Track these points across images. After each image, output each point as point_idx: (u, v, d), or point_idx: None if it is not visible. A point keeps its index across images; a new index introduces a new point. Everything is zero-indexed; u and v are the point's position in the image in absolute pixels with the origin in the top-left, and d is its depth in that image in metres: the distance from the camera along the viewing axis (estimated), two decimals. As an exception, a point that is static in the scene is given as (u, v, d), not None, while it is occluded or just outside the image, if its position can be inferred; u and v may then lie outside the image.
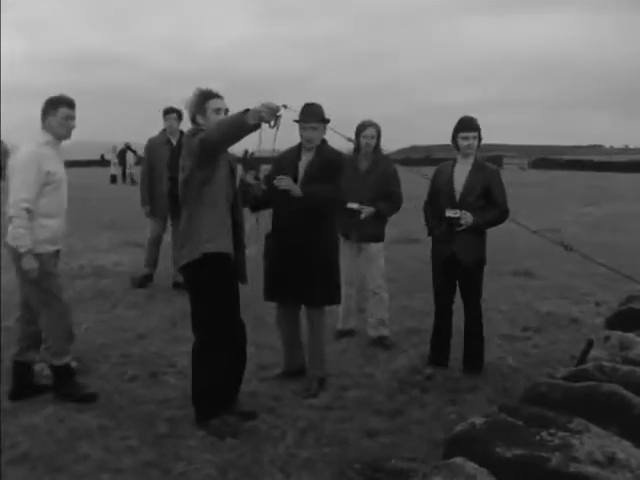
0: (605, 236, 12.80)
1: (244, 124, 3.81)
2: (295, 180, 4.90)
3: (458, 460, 1.57)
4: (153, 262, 8.29)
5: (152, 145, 8.27)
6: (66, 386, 4.71)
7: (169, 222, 8.12)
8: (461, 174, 5.21)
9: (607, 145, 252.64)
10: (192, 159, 4.17)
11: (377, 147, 6.01)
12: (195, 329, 4.35)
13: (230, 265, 4.31)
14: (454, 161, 5.33)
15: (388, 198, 5.93)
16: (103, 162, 44.87)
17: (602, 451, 1.54)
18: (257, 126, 3.86)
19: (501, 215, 5.17)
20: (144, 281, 8.17)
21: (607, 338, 2.39)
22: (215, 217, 4.24)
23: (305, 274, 4.86)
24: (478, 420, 1.73)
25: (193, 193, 4.22)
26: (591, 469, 1.48)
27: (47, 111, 4.62)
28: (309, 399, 4.75)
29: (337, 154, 5.10)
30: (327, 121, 5.00)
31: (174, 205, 7.49)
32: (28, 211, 4.41)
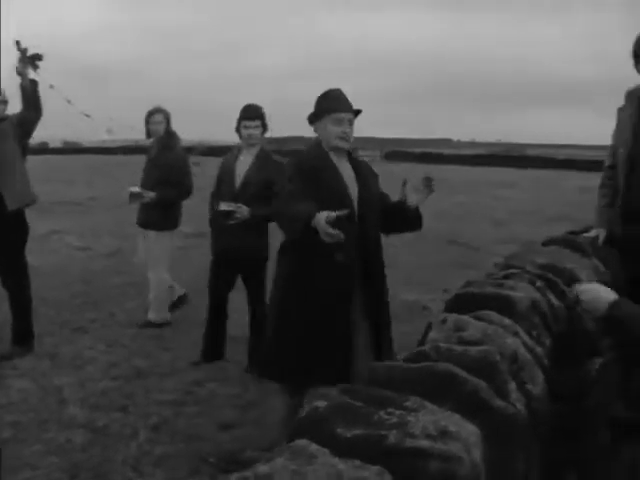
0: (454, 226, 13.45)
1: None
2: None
3: (301, 442, 1.59)
4: None
5: None
6: None
7: None
8: (244, 164, 4.99)
9: (455, 139, 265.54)
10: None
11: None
12: None
13: None
14: (238, 150, 5.10)
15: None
16: None
17: (435, 426, 1.61)
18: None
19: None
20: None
21: (444, 321, 2.50)
22: None
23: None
24: (321, 403, 1.77)
25: None
26: (425, 442, 1.55)
27: None
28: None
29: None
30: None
31: None
32: None
